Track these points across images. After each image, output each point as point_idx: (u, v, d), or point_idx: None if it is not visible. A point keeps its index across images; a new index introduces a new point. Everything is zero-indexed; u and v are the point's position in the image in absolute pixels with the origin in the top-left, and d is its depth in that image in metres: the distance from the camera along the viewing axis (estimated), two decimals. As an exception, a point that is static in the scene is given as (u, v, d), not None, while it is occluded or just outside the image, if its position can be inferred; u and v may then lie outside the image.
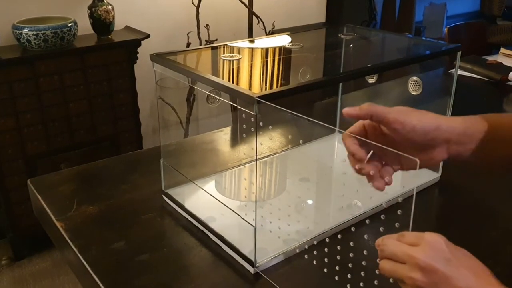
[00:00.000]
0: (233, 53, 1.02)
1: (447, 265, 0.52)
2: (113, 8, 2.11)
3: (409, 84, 1.08)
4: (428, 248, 0.53)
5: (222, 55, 1.00)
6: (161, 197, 1.01)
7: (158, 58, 0.92)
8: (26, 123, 1.94)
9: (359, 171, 0.66)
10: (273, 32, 2.49)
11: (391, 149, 0.60)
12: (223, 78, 0.91)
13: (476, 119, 0.65)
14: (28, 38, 1.86)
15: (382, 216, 0.63)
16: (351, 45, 1.18)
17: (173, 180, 1.01)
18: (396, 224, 0.61)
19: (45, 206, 0.99)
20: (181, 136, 2.31)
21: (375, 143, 0.62)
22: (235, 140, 1.32)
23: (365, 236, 0.77)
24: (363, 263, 0.69)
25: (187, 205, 0.96)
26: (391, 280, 0.57)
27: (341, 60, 1.17)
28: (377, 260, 0.60)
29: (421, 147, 0.64)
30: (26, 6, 2.05)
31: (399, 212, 0.59)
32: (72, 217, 0.95)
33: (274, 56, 1.08)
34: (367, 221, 0.91)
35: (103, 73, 2.08)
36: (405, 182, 1.09)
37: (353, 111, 0.63)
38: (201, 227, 0.91)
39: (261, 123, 0.71)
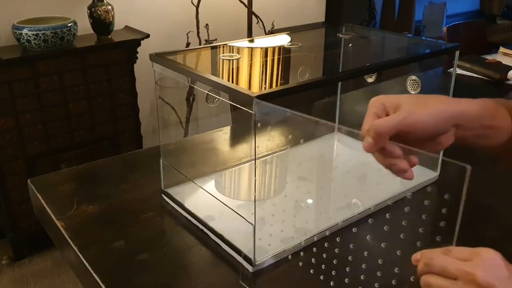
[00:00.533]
0: (233, 52, 1.02)
1: (506, 283, 0.49)
2: (112, 8, 2.11)
3: (408, 83, 1.09)
4: (485, 264, 0.50)
5: (221, 55, 1.00)
6: (161, 196, 1.02)
7: (158, 58, 0.92)
8: (26, 123, 1.94)
9: (392, 167, 0.61)
10: (272, 31, 2.50)
11: (426, 152, 0.59)
12: (222, 78, 0.91)
13: (487, 102, 0.62)
14: (28, 38, 1.86)
15: (387, 215, 0.63)
16: (350, 45, 1.18)
17: (173, 180, 1.01)
18: (404, 222, 0.61)
19: (45, 205, 0.99)
20: (181, 136, 2.31)
21: (405, 146, 0.59)
22: (235, 139, 1.33)
23: (368, 237, 0.77)
24: (362, 261, 0.70)
25: (187, 204, 0.96)
26: None
27: (340, 59, 1.18)
28: (411, 278, 0.58)
29: (430, 137, 0.61)
30: (26, 6, 2.06)
31: (419, 216, 0.59)
32: (72, 217, 0.95)
33: (273, 55, 1.08)
34: (370, 220, 0.91)
35: (103, 73, 2.08)
36: (404, 181, 1.10)
37: (372, 146, 0.59)
38: (200, 226, 0.91)
39: (259, 124, 0.72)
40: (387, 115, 0.62)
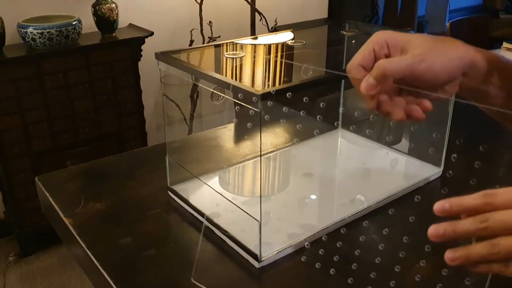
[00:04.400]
0: (236, 50, 1.03)
1: None
2: (116, 6, 2.12)
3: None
4: None
5: (225, 53, 1.01)
6: (167, 193, 1.03)
7: (163, 56, 0.93)
8: (31, 120, 1.96)
9: (387, 114, 0.55)
10: (275, 28, 2.50)
11: (426, 92, 0.53)
12: (226, 76, 0.92)
13: (492, 56, 0.56)
14: (33, 36, 1.87)
15: (390, 211, 0.64)
16: (353, 41, 1.19)
17: (178, 176, 1.02)
18: (408, 217, 0.62)
19: (53, 202, 1.00)
20: (185, 133, 2.32)
21: (411, 88, 0.53)
22: (239, 136, 1.33)
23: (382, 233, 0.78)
24: (367, 256, 0.71)
25: (192, 201, 0.97)
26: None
27: (343, 56, 1.18)
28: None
29: (439, 84, 0.55)
30: (31, 5, 2.07)
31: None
32: (79, 213, 0.96)
33: (277, 53, 1.09)
34: (365, 223, 0.92)
35: (107, 71, 2.09)
36: (408, 176, 1.11)
37: (373, 88, 0.52)
38: (206, 223, 0.92)
39: (266, 116, 0.73)
40: (387, 56, 0.56)
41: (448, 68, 0.53)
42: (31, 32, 1.87)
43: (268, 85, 0.99)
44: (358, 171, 1.11)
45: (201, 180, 1.04)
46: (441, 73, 0.53)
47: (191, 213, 0.96)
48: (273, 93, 0.73)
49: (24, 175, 2.01)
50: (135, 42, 2.13)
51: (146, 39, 2.15)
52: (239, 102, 0.78)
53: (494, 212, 0.40)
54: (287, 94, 0.71)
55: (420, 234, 0.64)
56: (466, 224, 0.42)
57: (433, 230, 0.43)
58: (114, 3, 2.11)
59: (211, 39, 2.37)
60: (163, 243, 0.88)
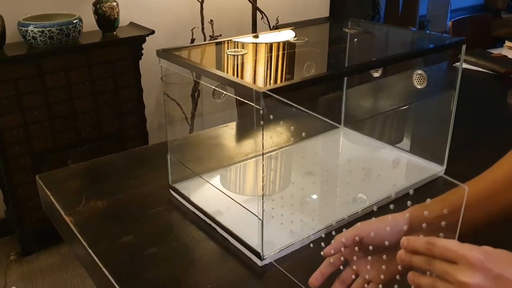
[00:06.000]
0: (238, 48, 1.03)
1: (494, 284, 0.49)
2: (117, 5, 2.12)
3: (414, 77, 1.09)
4: (473, 269, 0.49)
5: (227, 50, 1.01)
6: (168, 191, 1.02)
7: (165, 53, 0.93)
8: (32, 119, 1.95)
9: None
10: (277, 27, 2.50)
11: None
12: (228, 73, 0.91)
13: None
14: (34, 35, 1.87)
15: (391, 206, 0.64)
16: (355, 39, 1.18)
17: (180, 175, 1.02)
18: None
19: (54, 201, 1.00)
20: (186, 132, 2.32)
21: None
22: (241, 134, 1.33)
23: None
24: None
25: (194, 199, 0.97)
26: None
27: (345, 54, 1.18)
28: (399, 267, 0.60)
29: (393, 244, 0.63)
30: (31, 3, 2.06)
31: (409, 203, 0.60)
32: (81, 212, 0.96)
33: (278, 51, 1.08)
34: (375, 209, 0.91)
35: (108, 70, 2.09)
36: (410, 174, 1.10)
37: (327, 250, 0.67)
38: (208, 221, 0.92)
39: (269, 118, 0.72)
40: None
41: (384, 223, 0.64)
42: (31, 31, 1.86)
43: (270, 82, 0.99)
44: (360, 169, 1.11)
45: (203, 178, 1.04)
46: (380, 227, 0.64)
47: (192, 211, 0.96)
48: (275, 91, 0.72)
49: (25, 175, 2.00)
50: (136, 41, 2.12)
51: (147, 38, 2.14)
52: (241, 99, 0.77)
53: (435, 261, 0.53)
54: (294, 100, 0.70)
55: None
56: (419, 260, 0.55)
57: (399, 255, 0.57)
58: (115, 1, 2.11)
59: (212, 37, 2.37)
60: (164, 241, 0.88)
